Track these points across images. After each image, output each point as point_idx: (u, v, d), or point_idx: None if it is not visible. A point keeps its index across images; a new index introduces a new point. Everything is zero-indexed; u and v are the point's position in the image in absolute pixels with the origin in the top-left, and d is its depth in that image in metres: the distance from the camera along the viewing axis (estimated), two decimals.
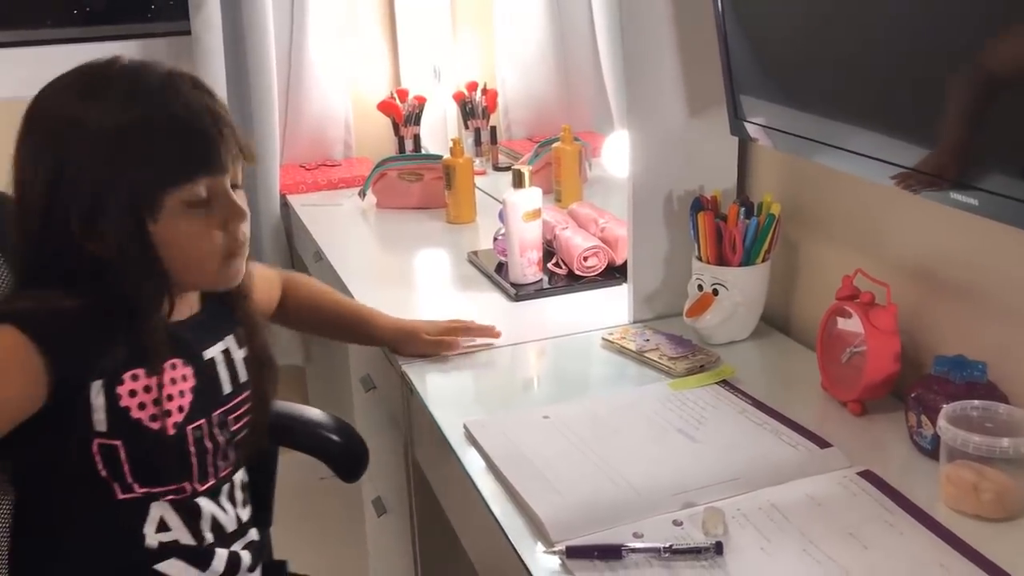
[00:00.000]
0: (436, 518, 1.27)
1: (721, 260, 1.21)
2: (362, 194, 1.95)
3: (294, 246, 2.10)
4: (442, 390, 1.16)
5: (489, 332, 1.27)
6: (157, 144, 0.91)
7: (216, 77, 1.97)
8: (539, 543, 0.86)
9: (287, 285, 1.26)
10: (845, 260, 1.17)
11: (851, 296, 1.06)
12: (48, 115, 0.93)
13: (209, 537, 1.01)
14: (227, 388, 1.02)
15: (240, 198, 0.97)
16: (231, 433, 1.02)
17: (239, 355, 1.05)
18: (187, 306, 1.02)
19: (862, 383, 1.03)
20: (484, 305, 1.42)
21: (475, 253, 1.60)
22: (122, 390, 0.92)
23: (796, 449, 0.98)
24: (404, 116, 2.11)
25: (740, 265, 1.20)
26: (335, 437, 1.21)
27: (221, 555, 1.01)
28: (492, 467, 0.98)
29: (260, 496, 1.14)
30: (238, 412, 1.04)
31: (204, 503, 1.00)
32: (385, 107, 2.12)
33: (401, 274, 1.59)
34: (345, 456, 1.22)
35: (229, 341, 1.04)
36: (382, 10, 2.22)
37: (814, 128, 1.05)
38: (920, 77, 0.90)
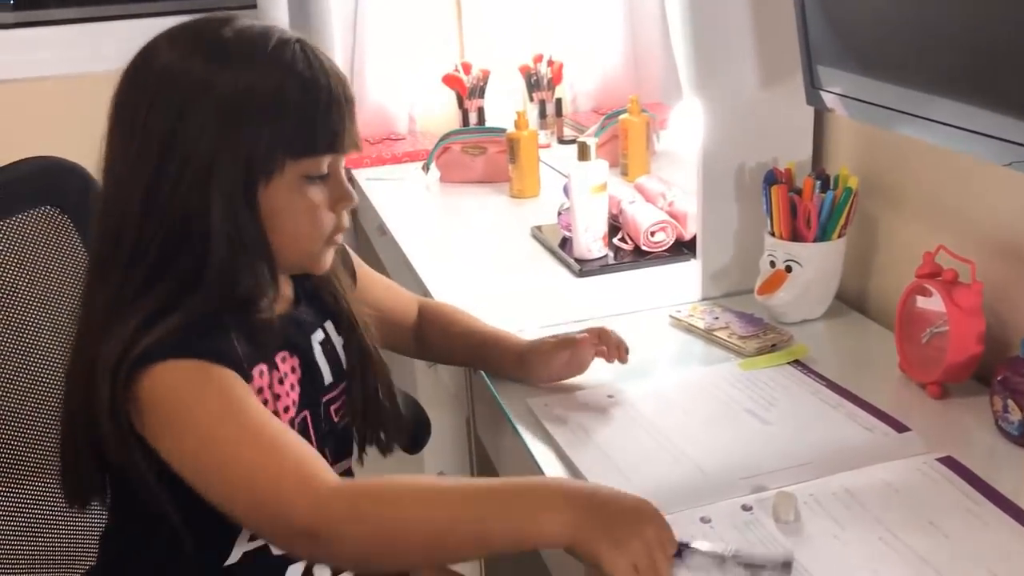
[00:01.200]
0: None
1: (795, 235, 1.16)
2: (426, 168, 1.94)
3: (358, 220, 2.10)
4: None
5: (620, 353, 1.07)
6: (290, 109, 0.86)
7: None
8: None
9: (426, 310, 1.19)
10: (926, 236, 1.12)
11: (932, 273, 1.02)
12: (168, 77, 0.86)
13: None
14: (328, 378, 0.98)
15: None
16: (332, 424, 0.99)
17: (338, 343, 1.01)
18: (285, 295, 0.97)
19: (943, 365, 0.99)
20: (548, 281, 1.40)
21: (539, 228, 1.58)
22: (253, 385, 0.87)
23: (872, 433, 0.94)
24: (468, 89, 2.09)
25: (815, 241, 1.15)
26: (402, 410, 1.18)
27: (294, 571, 0.97)
28: (555, 447, 0.96)
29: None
30: (338, 403, 1.00)
31: None
32: (449, 80, 2.10)
33: (464, 249, 1.58)
34: (409, 428, 1.20)
35: (329, 328, 1.01)
36: None
37: (895, 97, 1.00)
38: (1011, 42, 0.84)
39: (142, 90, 0.87)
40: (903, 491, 0.85)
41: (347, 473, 1.03)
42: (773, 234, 1.18)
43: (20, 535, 1.11)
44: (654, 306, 1.27)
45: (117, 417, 0.82)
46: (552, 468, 0.93)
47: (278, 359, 0.92)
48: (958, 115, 0.92)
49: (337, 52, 2.02)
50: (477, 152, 1.89)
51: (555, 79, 2.10)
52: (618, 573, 0.73)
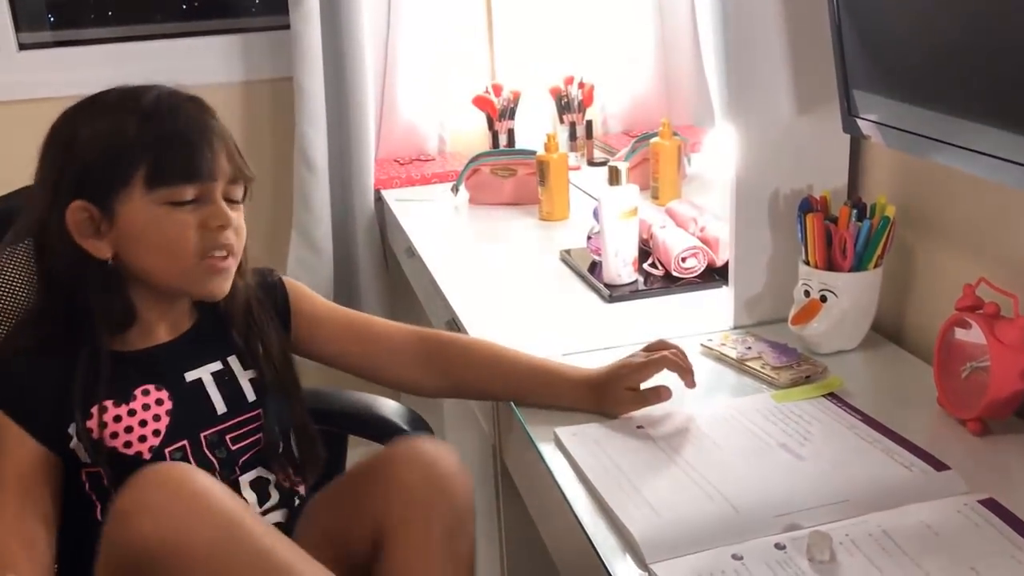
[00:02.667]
0: (524, 524, 1.24)
1: (830, 265, 1.14)
2: (455, 189, 1.93)
3: (387, 241, 2.10)
4: None
5: (687, 376, 1.06)
6: (135, 146, 0.97)
7: (314, 73, 1.98)
8: (630, 560, 0.82)
9: (438, 343, 1.17)
10: (966, 267, 1.09)
11: (973, 306, 0.99)
12: (52, 129, 1.02)
13: None
14: (221, 408, 1.05)
15: (232, 210, 1.01)
16: (230, 452, 1.05)
17: (244, 375, 1.07)
18: (170, 327, 1.06)
19: (984, 401, 0.96)
20: (577, 306, 1.39)
21: (568, 251, 1.57)
22: (91, 424, 0.97)
23: (910, 471, 0.91)
24: (499, 111, 2.09)
25: (851, 270, 1.13)
26: (407, 428, 1.25)
27: None
28: (583, 478, 0.94)
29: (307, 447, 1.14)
30: (239, 432, 1.06)
31: None
32: (480, 102, 2.10)
33: (492, 271, 1.56)
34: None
35: (231, 361, 1.07)
36: (479, 4, 2.19)
37: (935, 126, 0.98)
38: None
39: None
40: (943, 534, 0.82)
41: (260, 481, 1.07)
42: (808, 263, 1.16)
43: None
44: (684, 334, 1.25)
45: None
46: (580, 499, 0.91)
47: (137, 392, 1.01)
48: (997, 143, 0.90)
49: (369, 72, 2.02)
50: (507, 174, 1.88)
51: (586, 101, 2.10)
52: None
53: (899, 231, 1.16)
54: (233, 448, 1.05)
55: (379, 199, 2.07)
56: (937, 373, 1.03)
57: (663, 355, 1.06)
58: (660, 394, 1.04)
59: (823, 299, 1.14)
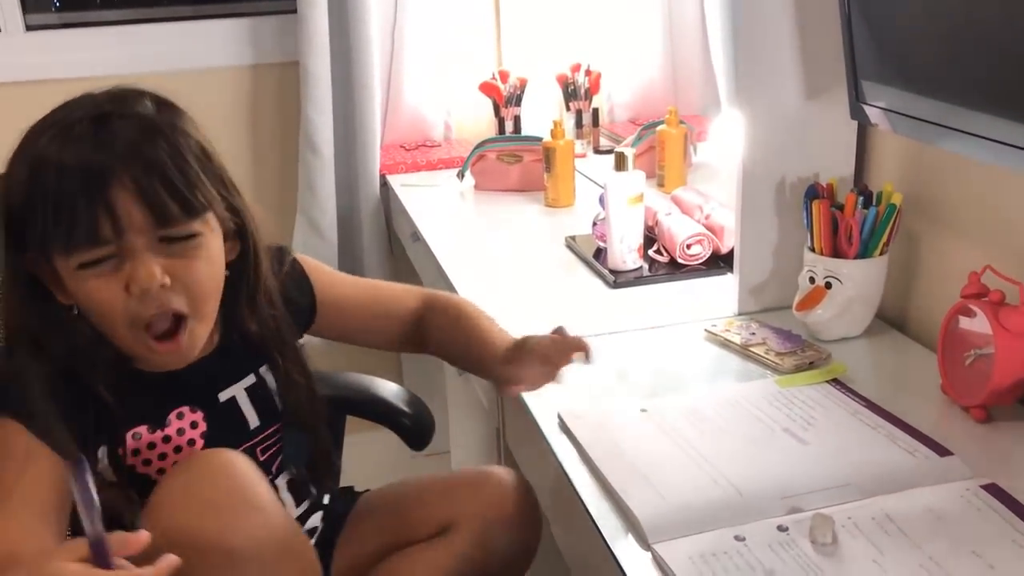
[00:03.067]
0: None
1: (836, 252, 1.14)
2: (460, 175, 1.93)
3: (392, 226, 2.10)
4: None
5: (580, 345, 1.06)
6: (37, 201, 0.85)
7: (320, 57, 1.97)
8: (633, 540, 0.82)
9: (437, 302, 1.16)
10: (972, 255, 1.09)
11: (978, 294, 0.99)
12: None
13: None
14: (254, 423, 1.01)
15: (174, 255, 0.87)
16: (260, 462, 0.99)
17: (273, 386, 1.02)
18: (195, 347, 0.96)
19: (988, 388, 0.96)
20: (581, 291, 1.39)
21: (573, 238, 1.57)
22: (123, 451, 0.92)
23: (913, 456, 0.91)
24: (505, 97, 2.08)
25: (856, 257, 1.13)
26: (406, 408, 1.27)
27: None
28: (586, 460, 0.95)
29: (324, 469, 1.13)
30: (269, 443, 1.02)
31: None
32: (486, 88, 2.09)
33: (497, 257, 1.56)
34: (414, 426, 1.28)
35: (262, 372, 1.02)
36: None
37: (939, 112, 0.98)
38: None
39: None
40: (945, 518, 0.82)
41: (314, 507, 1.06)
42: (813, 250, 1.16)
43: None
44: (689, 320, 1.25)
45: None
46: (583, 481, 0.92)
47: (172, 415, 0.94)
48: (1004, 131, 0.90)
49: (375, 57, 2.02)
50: (512, 160, 1.88)
51: (592, 89, 2.09)
52: None
53: (905, 219, 1.16)
54: (262, 459, 1.02)
55: (384, 184, 2.07)
56: (941, 360, 1.03)
57: (578, 337, 1.05)
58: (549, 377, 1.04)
59: (828, 286, 1.14)
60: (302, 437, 1.06)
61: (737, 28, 1.17)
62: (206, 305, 0.92)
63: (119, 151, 0.85)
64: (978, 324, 0.98)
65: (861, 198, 1.13)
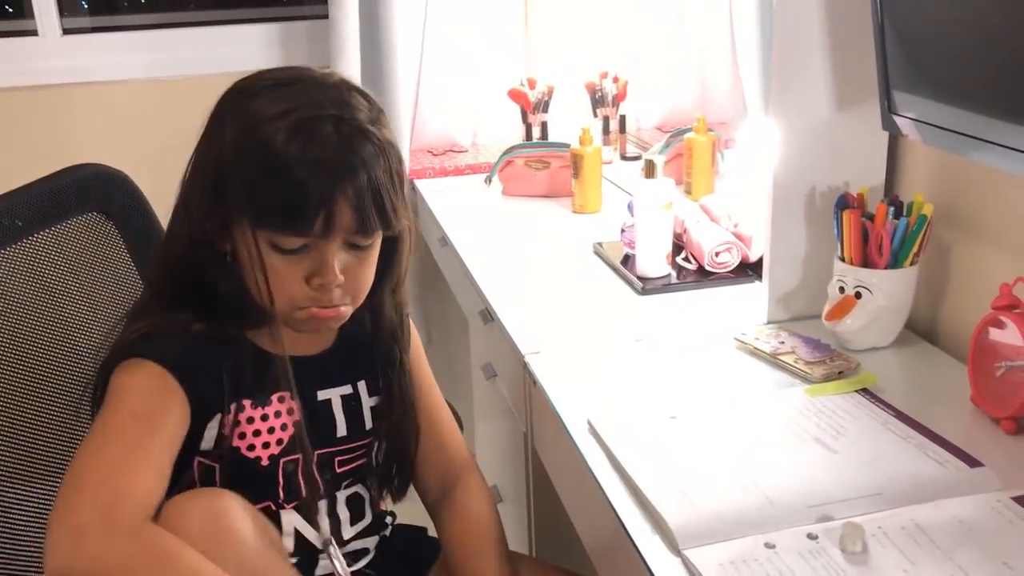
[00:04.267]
0: (554, 510, 1.26)
1: (866, 262, 1.14)
2: (488, 180, 1.94)
3: (421, 231, 2.11)
4: (565, 383, 1.14)
5: None
6: (265, 187, 0.90)
7: (351, 61, 2.00)
8: (663, 545, 0.83)
9: (471, 487, 1.14)
10: (1003, 267, 1.09)
11: (1010, 306, 0.99)
12: (227, 103, 0.95)
13: (289, 547, 0.99)
14: (342, 432, 1.03)
15: (352, 256, 0.94)
16: (334, 475, 1.03)
17: (368, 403, 1.05)
18: (314, 341, 1.03)
19: (1019, 400, 0.96)
20: (610, 298, 1.40)
21: (600, 244, 1.58)
22: (226, 419, 0.95)
23: (943, 467, 0.91)
24: (533, 104, 2.10)
25: (886, 268, 1.13)
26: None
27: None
28: (616, 465, 0.95)
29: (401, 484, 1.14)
30: (348, 456, 1.05)
31: (287, 516, 1.00)
32: (514, 95, 2.11)
33: (525, 262, 1.58)
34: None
35: (360, 387, 1.05)
36: None
37: (974, 125, 0.98)
38: None
39: (213, 113, 0.96)
40: (976, 529, 0.83)
41: (355, 498, 1.06)
42: (843, 259, 1.16)
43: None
44: (718, 327, 1.26)
45: (94, 406, 0.95)
46: (613, 486, 0.93)
47: (274, 397, 0.98)
48: None
49: (405, 62, 2.04)
50: (540, 166, 1.89)
51: (620, 96, 2.10)
52: None
53: (935, 229, 1.16)
54: (338, 471, 1.04)
55: (413, 189, 2.09)
56: (971, 371, 1.03)
57: None
58: None
59: (858, 296, 1.15)
60: (390, 449, 1.08)
61: (771, 38, 1.18)
62: (361, 298, 0.99)
63: (354, 165, 0.91)
64: (1009, 336, 0.98)
65: (892, 208, 1.14)
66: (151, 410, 0.91)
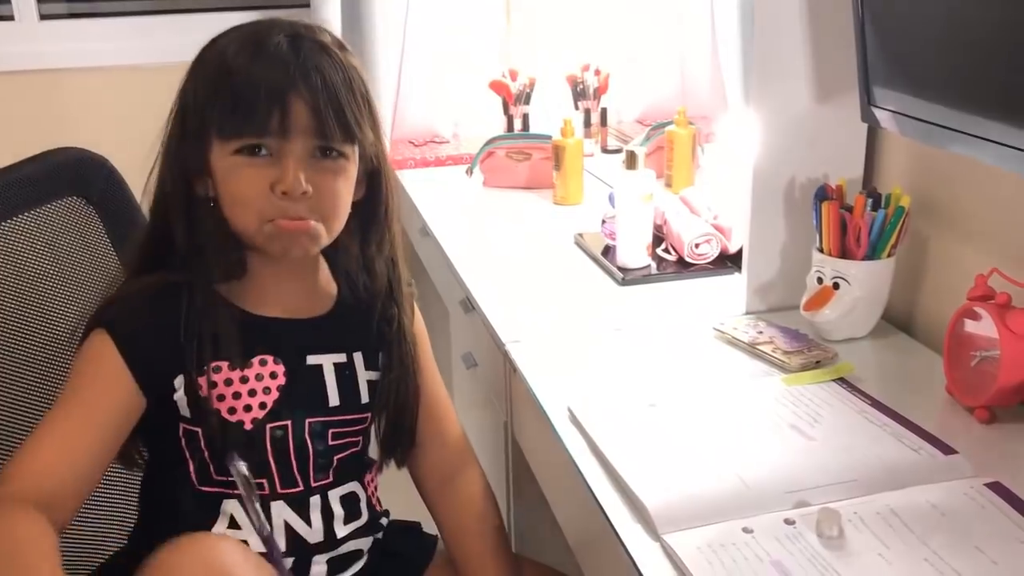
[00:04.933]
0: (533, 498, 1.26)
1: (844, 253, 1.16)
2: (470, 171, 1.94)
3: (402, 221, 2.11)
4: (545, 371, 1.14)
5: None
6: (221, 91, 0.92)
7: None
8: (642, 531, 0.84)
9: (470, 478, 1.13)
10: (978, 258, 1.11)
11: (985, 296, 1.00)
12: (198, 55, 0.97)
13: (280, 545, 0.97)
14: (334, 400, 1.01)
15: (319, 170, 0.93)
16: (328, 447, 1.01)
17: (364, 375, 1.03)
18: (304, 305, 1.02)
19: (993, 389, 0.97)
20: (590, 288, 1.40)
21: (581, 235, 1.58)
22: (202, 380, 0.94)
23: (918, 454, 0.93)
24: (514, 95, 2.10)
25: (864, 259, 1.15)
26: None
27: (287, 563, 0.97)
28: (596, 452, 0.96)
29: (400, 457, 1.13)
30: (343, 429, 1.02)
31: (278, 507, 0.98)
32: (496, 86, 2.11)
33: (507, 253, 1.58)
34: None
35: (355, 357, 1.03)
36: None
37: (951, 117, 0.99)
38: None
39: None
40: (949, 514, 0.84)
41: (351, 497, 1.04)
42: (822, 250, 1.17)
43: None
44: (697, 318, 1.26)
45: None
46: (593, 472, 0.93)
47: (255, 360, 0.97)
48: (1012, 135, 0.91)
49: (386, 54, 2.03)
50: (521, 158, 1.90)
51: (601, 89, 2.11)
52: None
53: (913, 221, 1.18)
54: (331, 443, 1.01)
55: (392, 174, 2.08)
56: (947, 361, 1.05)
57: None
58: None
59: (836, 286, 1.16)
60: (389, 421, 1.07)
61: (750, 30, 1.19)
62: (334, 222, 0.97)
63: (306, 67, 0.92)
64: (984, 327, 0.99)
65: (870, 200, 1.15)
66: (81, 385, 0.93)
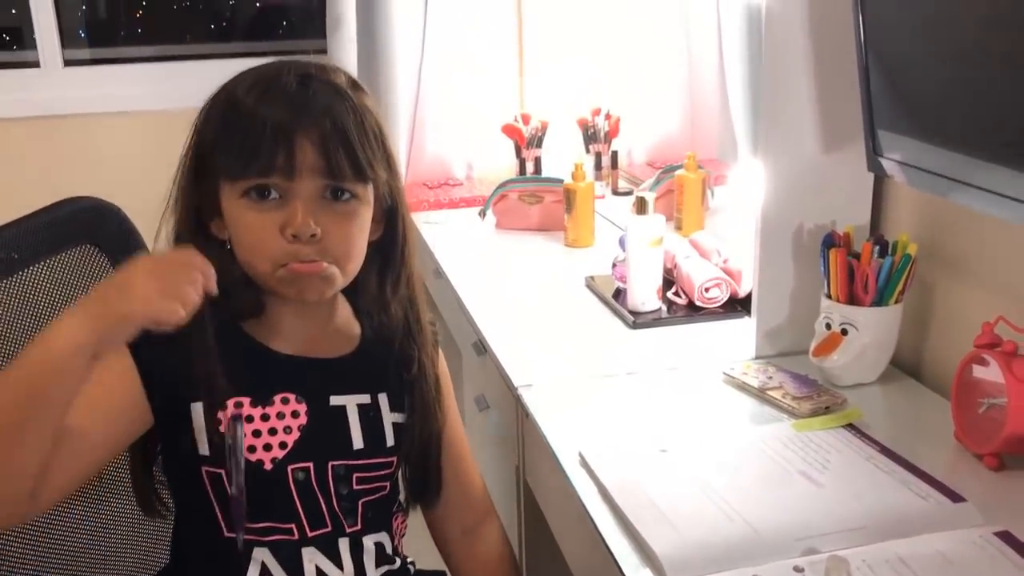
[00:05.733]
0: (545, 542, 1.27)
1: (852, 299, 1.17)
2: (482, 214, 1.97)
3: (414, 225, 2.13)
4: (557, 414, 1.16)
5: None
6: (229, 133, 0.91)
7: None
8: None
9: (491, 531, 1.14)
10: (985, 306, 1.12)
11: (991, 344, 1.01)
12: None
13: None
14: (358, 443, 0.99)
15: (329, 211, 0.92)
16: (352, 491, 0.99)
17: (389, 418, 1.02)
18: (328, 345, 1.01)
19: (1001, 436, 0.98)
20: (601, 331, 1.42)
21: (592, 278, 1.60)
22: (222, 415, 0.92)
23: (926, 501, 0.93)
24: (527, 139, 2.13)
25: (872, 305, 1.16)
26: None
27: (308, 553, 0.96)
28: (607, 497, 0.97)
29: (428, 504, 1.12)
30: (368, 474, 1.00)
31: (309, 553, 0.96)
32: (508, 130, 2.14)
33: (518, 295, 1.60)
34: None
35: (380, 399, 1.01)
36: (510, 36, 2.25)
37: (956, 167, 1.01)
38: None
39: None
40: (958, 563, 0.84)
41: (380, 543, 1.02)
42: (830, 296, 1.19)
43: (108, 543, 1.16)
44: (707, 362, 1.28)
45: None
46: (603, 517, 0.94)
47: (277, 398, 0.95)
48: (1018, 186, 0.93)
49: (401, 97, 2.07)
50: (534, 201, 1.92)
51: (612, 132, 2.14)
52: (137, 306, 0.79)
53: (919, 268, 1.19)
54: (356, 487, 0.99)
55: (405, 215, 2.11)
56: (955, 408, 1.05)
57: None
58: None
59: (844, 332, 1.17)
60: (414, 466, 1.06)
61: (760, 80, 1.21)
62: (348, 264, 0.96)
63: (314, 108, 0.91)
64: (991, 373, 1.00)
65: (877, 247, 1.16)
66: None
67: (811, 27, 1.19)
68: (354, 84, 0.98)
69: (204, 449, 0.93)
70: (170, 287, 0.81)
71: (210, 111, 0.95)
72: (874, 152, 1.14)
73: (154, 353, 0.91)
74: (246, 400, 0.94)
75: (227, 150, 0.91)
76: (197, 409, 0.93)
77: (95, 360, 0.80)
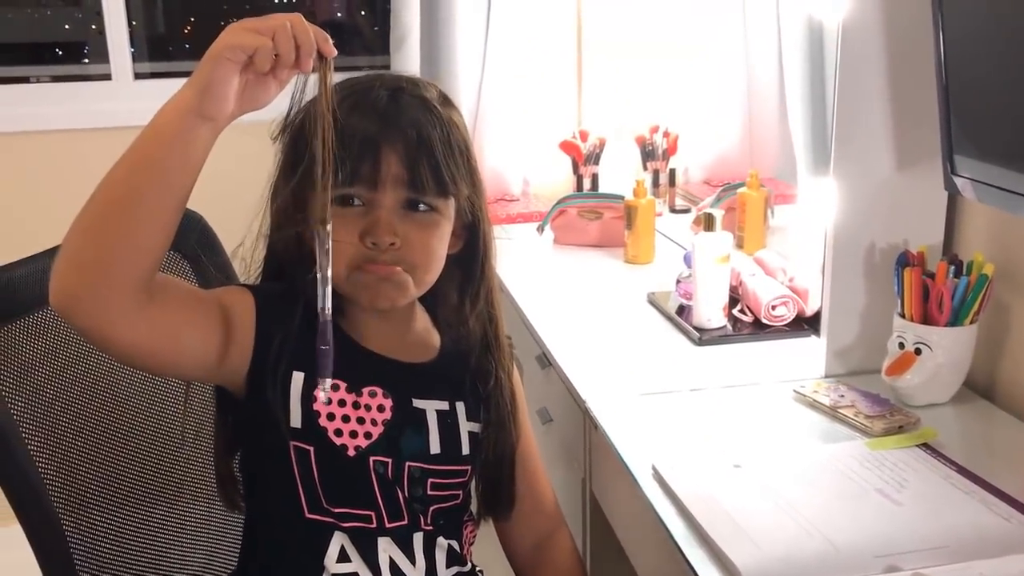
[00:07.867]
0: (612, 554, 1.27)
1: (926, 319, 1.16)
2: (541, 229, 1.99)
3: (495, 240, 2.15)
4: (626, 429, 1.16)
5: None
6: (316, 143, 0.92)
7: None
8: None
9: (561, 545, 1.15)
10: None
11: None
12: None
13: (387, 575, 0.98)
14: (435, 448, 1.00)
15: (409, 221, 0.94)
16: (425, 496, 1.00)
17: (466, 427, 1.03)
18: (410, 350, 1.03)
19: None
20: (666, 347, 1.42)
21: (653, 294, 1.61)
22: (319, 393, 0.93)
23: (1009, 522, 0.93)
24: (584, 156, 2.15)
25: (947, 325, 1.15)
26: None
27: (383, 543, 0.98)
28: (682, 510, 0.97)
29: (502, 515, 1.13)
30: (442, 480, 1.01)
31: (384, 543, 0.98)
32: (566, 146, 2.16)
33: (580, 310, 1.61)
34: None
35: (458, 407, 1.03)
36: (570, 53, 2.27)
37: None
38: None
39: None
40: None
41: (451, 549, 1.03)
42: (903, 316, 1.18)
43: (183, 546, 1.19)
44: (775, 379, 1.28)
45: None
46: (679, 531, 0.95)
47: (366, 389, 0.97)
48: None
49: (462, 111, 2.09)
50: (593, 217, 1.93)
51: (670, 150, 2.15)
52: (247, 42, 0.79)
53: (994, 288, 1.18)
54: (430, 494, 1.01)
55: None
56: None
57: None
58: None
59: (918, 352, 1.16)
60: (489, 481, 1.08)
61: (820, 95, 1.21)
62: (424, 274, 0.98)
63: (401, 120, 0.94)
64: None
65: (952, 267, 1.16)
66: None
67: (886, 44, 1.19)
68: (444, 99, 1.00)
69: (296, 421, 0.94)
70: (257, 24, 0.81)
71: (303, 123, 0.96)
72: (951, 171, 1.13)
73: (275, 314, 0.95)
74: (343, 384, 0.96)
75: (316, 159, 0.93)
76: (298, 379, 0.95)
77: (205, 121, 0.82)
